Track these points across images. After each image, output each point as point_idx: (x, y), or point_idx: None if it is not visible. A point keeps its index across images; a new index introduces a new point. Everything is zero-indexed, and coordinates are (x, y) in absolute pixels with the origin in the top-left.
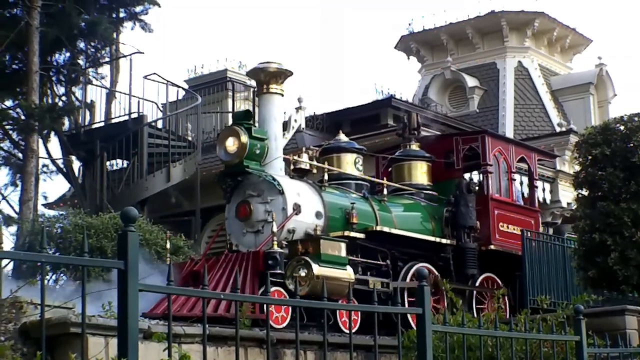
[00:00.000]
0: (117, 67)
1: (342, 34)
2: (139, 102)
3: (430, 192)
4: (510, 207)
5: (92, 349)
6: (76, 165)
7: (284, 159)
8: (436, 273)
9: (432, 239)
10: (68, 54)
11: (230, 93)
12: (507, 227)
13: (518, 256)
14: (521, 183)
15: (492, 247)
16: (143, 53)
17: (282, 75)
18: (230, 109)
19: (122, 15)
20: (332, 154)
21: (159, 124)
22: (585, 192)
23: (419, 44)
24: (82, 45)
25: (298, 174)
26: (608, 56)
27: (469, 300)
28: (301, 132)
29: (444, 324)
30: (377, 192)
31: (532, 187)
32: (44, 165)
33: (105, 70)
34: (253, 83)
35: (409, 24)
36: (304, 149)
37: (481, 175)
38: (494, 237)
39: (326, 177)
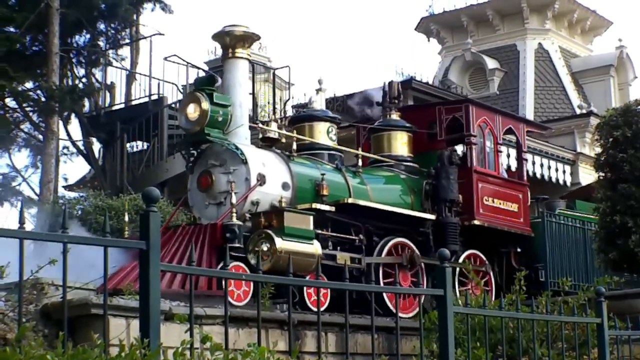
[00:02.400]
0: (137, 48)
1: (363, 16)
2: (159, 83)
3: (410, 164)
4: (496, 180)
5: (114, 330)
6: (96, 147)
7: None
8: (414, 248)
9: (410, 212)
10: (88, 36)
11: (250, 75)
12: (493, 202)
13: (504, 232)
14: (508, 156)
15: (475, 222)
16: (163, 34)
17: (248, 39)
18: (250, 91)
19: None
20: (304, 123)
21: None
22: (606, 174)
23: (439, 25)
24: (102, 26)
25: (267, 143)
26: (628, 38)
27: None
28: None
29: (465, 306)
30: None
31: (520, 159)
32: (64, 147)
33: (125, 51)
34: (273, 64)
35: (430, 6)
36: (272, 118)
37: (465, 147)
38: (478, 211)
39: (295, 146)
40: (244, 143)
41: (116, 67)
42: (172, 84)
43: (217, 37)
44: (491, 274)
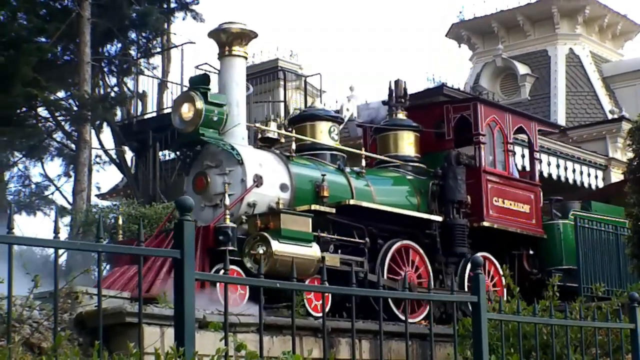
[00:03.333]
0: (168, 57)
1: (394, 23)
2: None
3: (418, 164)
4: (506, 180)
5: (148, 339)
6: (129, 155)
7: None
8: (419, 251)
9: (416, 214)
10: (119, 45)
11: (281, 82)
12: (503, 203)
13: (515, 234)
14: (522, 156)
15: (484, 223)
16: (194, 43)
17: (245, 36)
18: (282, 98)
19: (173, 5)
20: (305, 122)
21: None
22: (638, 179)
23: (469, 31)
24: (133, 35)
25: (266, 144)
26: None
27: (460, 281)
28: (353, 121)
29: (499, 312)
30: (366, 166)
31: (532, 159)
32: (96, 156)
33: (156, 60)
34: (305, 72)
35: (460, 12)
36: (272, 117)
37: (473, 146)
38: (487, 213)
39: (294, 146)
40: (240, 143)
41: (148, 75)
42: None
43: (213, 34)
44: (502, 278)
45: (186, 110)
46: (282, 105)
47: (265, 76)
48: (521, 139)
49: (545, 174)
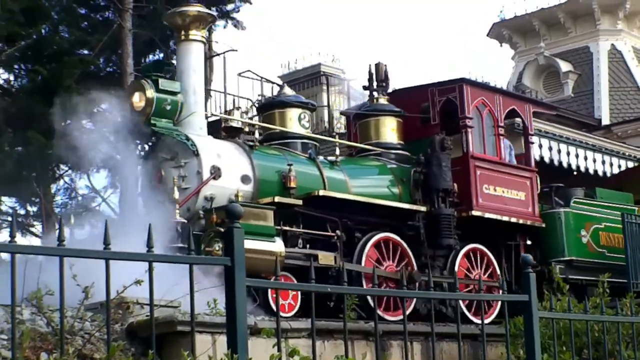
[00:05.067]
0: (211, 65)
1: (435, 24)
2: (234, 99)
3: (401, 151)
4: (498, 166)
5: (199, 347)
6: None
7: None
8: (402, 244)
9: (395, 204)
10: (161, 55)
11: (324, 87)
12: (494, 190)
13: (511, 223)
14: (540, 146)
15: (473, 213)
16: (236, 51)
17: (203, 19)
18: (325, 103)
19: (214, 13)
20: (273, 110)
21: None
22: None
23: (511, 30)
24: (174, 45)
25: (230, 133)
26: None
27: (449, 275)
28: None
29: (550, 310)
30: (348, 155)
31: (527, 143)
32: None
33: None
34: (347, 76)
35: (501, 11)
36: (236, 105)
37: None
38: (476, 201)
39: (257, 135)
40: (197, 133)
41: None
42: (247, 99)
43: (169, 18)
44: (497, 268)
45: (137, 100)
46: (325, 110)
47: (308, 81)
48: (536, 128)
49: (591, 170)
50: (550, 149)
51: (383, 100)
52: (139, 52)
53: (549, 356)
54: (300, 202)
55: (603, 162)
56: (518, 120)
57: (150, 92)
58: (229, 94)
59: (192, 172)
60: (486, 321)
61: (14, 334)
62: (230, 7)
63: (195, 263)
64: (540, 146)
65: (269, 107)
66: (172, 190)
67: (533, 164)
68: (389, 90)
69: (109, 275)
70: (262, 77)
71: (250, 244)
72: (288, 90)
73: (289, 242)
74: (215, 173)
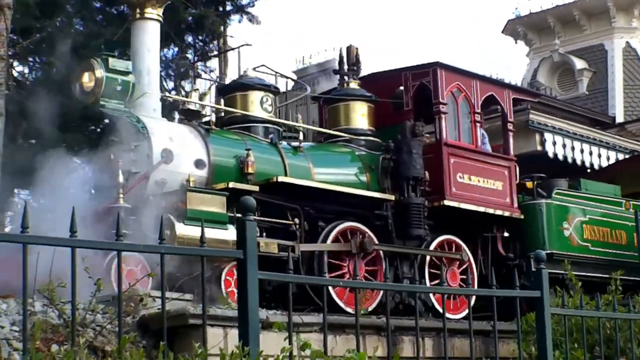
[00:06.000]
0: (225, 60)
1: (450, 21)
2: None
3: (372, 138)
4: (474, 154)
5: (211, 340)
6: None
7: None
8: (369, 234)
9: (361, 192)
10: (176, 49)
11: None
12: (470, 179)
13: (487, 214)
14: (554, 143)
15: (446, 202)
16: (251, 45)
17: None
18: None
19: (228, 8)
20: (235, 93)
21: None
22: None
23: (526, 27)
24: (190, 39)
25: (187, 117)
26: None
27: (420, 268)
28: None
29: (562, 307)
30: (317, 141)
31: (505, 131)
32: None
33: (213, 63)
34: (363, 73)
35: (516, 8)
36: (193, 87)
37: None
38: (449, 190)
39: (214, 118)
40: (150, 115)
41: (205, 79)
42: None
43: None
44: (472, 261)
45: (87, 80)
46: None
47: (323, 76)
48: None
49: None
50: (564, 146)
51: (354, 85)
52: None
53: (560, 353)
54: (256, 188)
55: (617, 160)
56: (533, 117)
57: (100, 72)
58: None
59: (143, 155)
60: (459, 315)
61: (25, 326)
62: (245, 1)
63: (207, 255)
64: (554, 143)
65: (231, 90)
66: (123, 174)
67: (512, 152)
68: (362, 75)
69: (121, 267)
70: (276, 72)
71: (197, 231)
72: (251, 73)
73: None
74: (167, 157)
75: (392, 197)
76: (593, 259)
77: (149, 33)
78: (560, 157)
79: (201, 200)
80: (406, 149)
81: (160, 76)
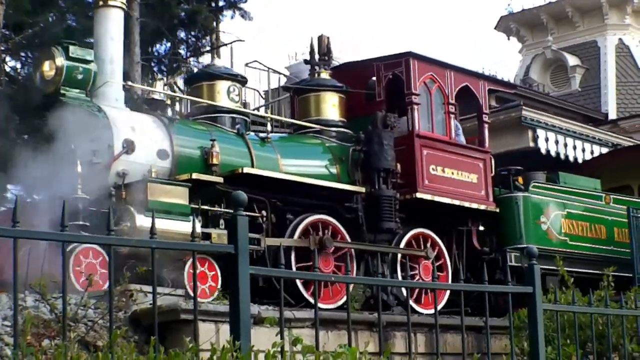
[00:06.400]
0: (218, 55)
1: (442, 17)
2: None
3: (343, 129)
4: (447, 146)
5: (203, 335)
6: None
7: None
8: (338, 227)
9: (330, 184)
10: (169, 44)
11: None
12: (443, 171)
13: (462, 208)
14: (557, 142)
15: (418, 195)
16: (243, 41)
17: None
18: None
19: (221, 3)
20: (202, 82)
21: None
22: None
23: (518, 24)
24: (182, 34)
25: (152, 106)
26: None
27: (391, 261)
28: None
29: (554, 303)
30: (289, 133)
31: (481, 122)
32: None
33: (206, 59)
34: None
35: (509, 4)
36: (158, 76)
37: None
38: (422, 183)
39: (178, 107)
40: (113, 105)
41: None
42: (254, 90)
43: None
44: (446, 256)
45: (47, 69)
46: None
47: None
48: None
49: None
50: (556, 142)
51: (325, 75)
52: (146, 41)
53: (552, 349)
54: (221, 179)
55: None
56: (526, 114)
57: (60, 60)
58: None
59: (104, 145)
60: (431, 311)
61: (16, 320)
62: None
63: (198, 250)
64: (547, 140)
65: (197, 80)
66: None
67: (487, 144)
68: (335, 65)
69: (112, 262)
70: (269, 68)
71: (160, 223)
72: (218, 62)
73: (211, 223)
74: (129, 147)
75: (363, 190)
76: (572, 253)
77: (112, 20)
78: (553, 153)
79: (163, 192)
80: (377, 140)
81: (153, 72)
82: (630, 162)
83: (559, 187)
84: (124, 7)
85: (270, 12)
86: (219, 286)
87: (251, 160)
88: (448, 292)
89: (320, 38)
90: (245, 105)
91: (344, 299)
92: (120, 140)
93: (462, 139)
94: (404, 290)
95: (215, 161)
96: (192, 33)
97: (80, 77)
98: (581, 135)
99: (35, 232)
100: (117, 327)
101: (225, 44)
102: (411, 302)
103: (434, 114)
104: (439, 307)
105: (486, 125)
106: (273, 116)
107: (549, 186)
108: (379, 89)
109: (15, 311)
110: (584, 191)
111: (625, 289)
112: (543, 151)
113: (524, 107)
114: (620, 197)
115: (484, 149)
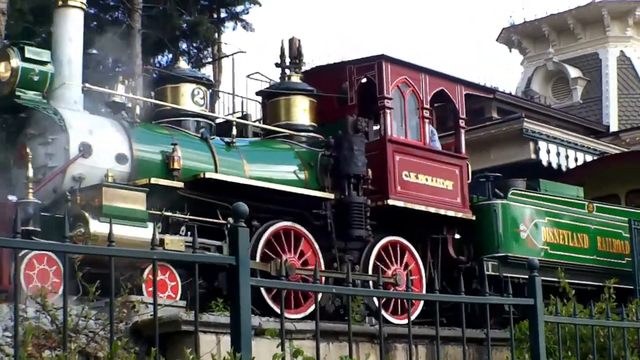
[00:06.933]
0: (219, 67)
1: (444, 29)
2: (242, 101)
3: (314, 134)
4: (421, 152)
5: (204, 347)
6: None
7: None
8: (307, 234)
9: (297, 190)
10: (170, 55)
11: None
12: (417, 178)
13: (437, 215)
14: (559, 154)
15: (390, 202)
16: (245, 52)
17: None
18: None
19: (223, 15)
20: (166, 85)
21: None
22: None
23: (520, 35)
24: (184, 46)
25: (113, 109)
26: None
27: (363, 270)
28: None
29: (555, 315)
30: (259, 136)
31: (457, 128)
32: None
33: (207, 70)
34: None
35: (510, 16)
36: (120, 78)
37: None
38: (394, 189)
39: (138, 111)
40: (70, 107)
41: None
42: (256, 101)
43: None
44: (420, 265)
45: (2, 70)
46: None
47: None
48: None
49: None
50: (558, 154)
51: (296, 79)
52: (148, 52)
53: None
54: (181, 184)
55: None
56: (527, 126)
57: (15, 61)
58: (237, 95)
59: (60, 149)
60: (404, 321)
61: (16, 331)
62: (239, 8)
63: (199, 262)
64: (548, 151)
65: (161, 82)
66: (39, 169)
67: (464, 151)
68: (307, 69)
69: (112, 273)
70: (270, 79)
71: (115, 229)
72: (183, 64)
73: (171, 230)
74: (85, 150)
75: (332, 196)
76: (552, 262)
77: (71, 21)
78: (554, 165)
79: (119, 197)
80: (347, 146)
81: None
82: (618, 170)
83: (539, 195)
84: (83, 7)
85: (272, 23)
86: (177, 298)
87: (215, 165)
88: (422, 302)
89: (291, 40)
90: (246, 117)
91: (309, 309)
92: (76, 143)
93: (437, 145)
94: (375, 300)
95: (176, 166)
96: (194, 44)
97: (36, 78)
98: (583, 147)
99: (34, 243)
100: (118, 338)
101: (227, 56)
102: (386, 314)
103: (407, 118)
104: (412, 318)
105: (462, 131)
106: (238, 120)
107: (528, 193)
108: (351, 93)
109: (16, 322)
110: (566, 199)
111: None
112: (545, 163)
113: (525, 119)
114: (603, 206)
115: (461, 155)
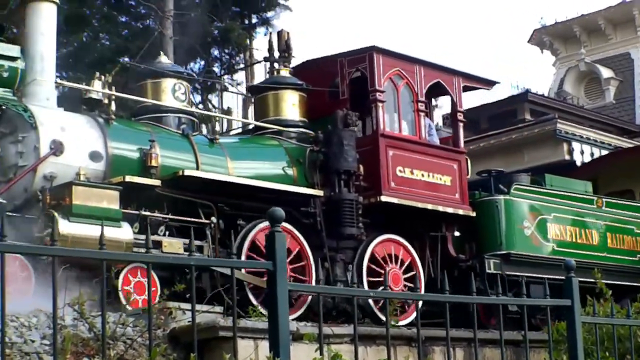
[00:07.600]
0: (251, 72)
1: (475, 30)
2: None
3: (303, 130)
4: (416, 146)
5: (242, 352)
6: None
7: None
8: (296, 233)
9: (283, 187)
10: (202, 62)
11: None
12: (412, 173)
13: (436, 212)
14: (574, 151)
15: (383, 198)
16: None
17: None
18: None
19: (254, 21)
20: (146, 80)
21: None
22: None
23: (551, 37)
24: (216, 52)
25: (89, 107)
26: None
27: (357, 270)
28: (439, 131)
29: (593, 315)
30: (250, 133)
31: (455, 121)
32: None
33: (240, 76)
34: None
35: (541, 18)
36: (96, 74)
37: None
38: (387, 185)
39: (113, 107)
40: (42, 104)
41: (232, 92)
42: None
43: None
44: (419, 264)
45: None
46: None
47: None
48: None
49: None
50: (592, 155)
51: (285, 73)
52: (180, 59)
53: None
54: (158, 182)
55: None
56: (561, 127)
57: None
58: None
59: (29, 147)
60: (405, 322)
61: (55, 339)
62: (270, 14)
63: (237, 267)
64: (582, 152)
65: (142, 78)
66: (11, 168)
67: (462, 144)
68: (298, 62)
69: (150, 280)
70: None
71: (86, 229)
72: (164, 59)
73: (151, 229)
74: (57, 148)
75: (321, 193)
76: (558, 260)
77: (43, 15)
78: None
79: (90, 195)
80: (337, 141)
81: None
82: (633, 164)
83: (544, 190)
84: (56, 1)
85: (301, 26)
86: (156, 301)
87: (196, 162)
88: (421, 302)
89: (279, 33)
90: (229, 112)
91: (300, 311)
92: (47, 141)
93: (435, 139)
94: (370, 302)
95: (154, 163)
96: (226, 50)
97: (5, 74)
98: (616, 148)
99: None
100: (156, 345)
101: (259, 61)
102: (377, 312)
103: (401, 112)
104: (410, 320)
105: (461, 124)
106: (222, 116)
107: (533, 189)
108: (342, 86)
109: (55, 330)
110: (573, 194)
111: (623, 298)
112: (579, 164)
113: (558, 120)
114: (613, 201)
115: (459, 149)
